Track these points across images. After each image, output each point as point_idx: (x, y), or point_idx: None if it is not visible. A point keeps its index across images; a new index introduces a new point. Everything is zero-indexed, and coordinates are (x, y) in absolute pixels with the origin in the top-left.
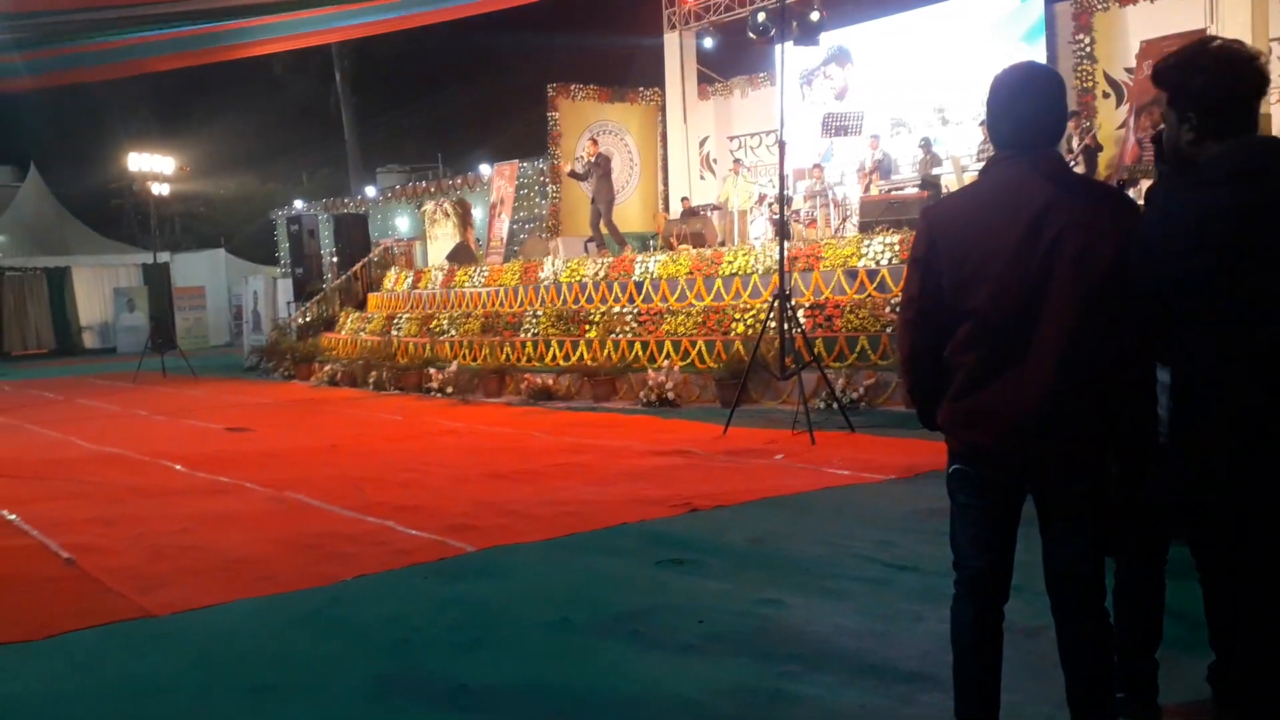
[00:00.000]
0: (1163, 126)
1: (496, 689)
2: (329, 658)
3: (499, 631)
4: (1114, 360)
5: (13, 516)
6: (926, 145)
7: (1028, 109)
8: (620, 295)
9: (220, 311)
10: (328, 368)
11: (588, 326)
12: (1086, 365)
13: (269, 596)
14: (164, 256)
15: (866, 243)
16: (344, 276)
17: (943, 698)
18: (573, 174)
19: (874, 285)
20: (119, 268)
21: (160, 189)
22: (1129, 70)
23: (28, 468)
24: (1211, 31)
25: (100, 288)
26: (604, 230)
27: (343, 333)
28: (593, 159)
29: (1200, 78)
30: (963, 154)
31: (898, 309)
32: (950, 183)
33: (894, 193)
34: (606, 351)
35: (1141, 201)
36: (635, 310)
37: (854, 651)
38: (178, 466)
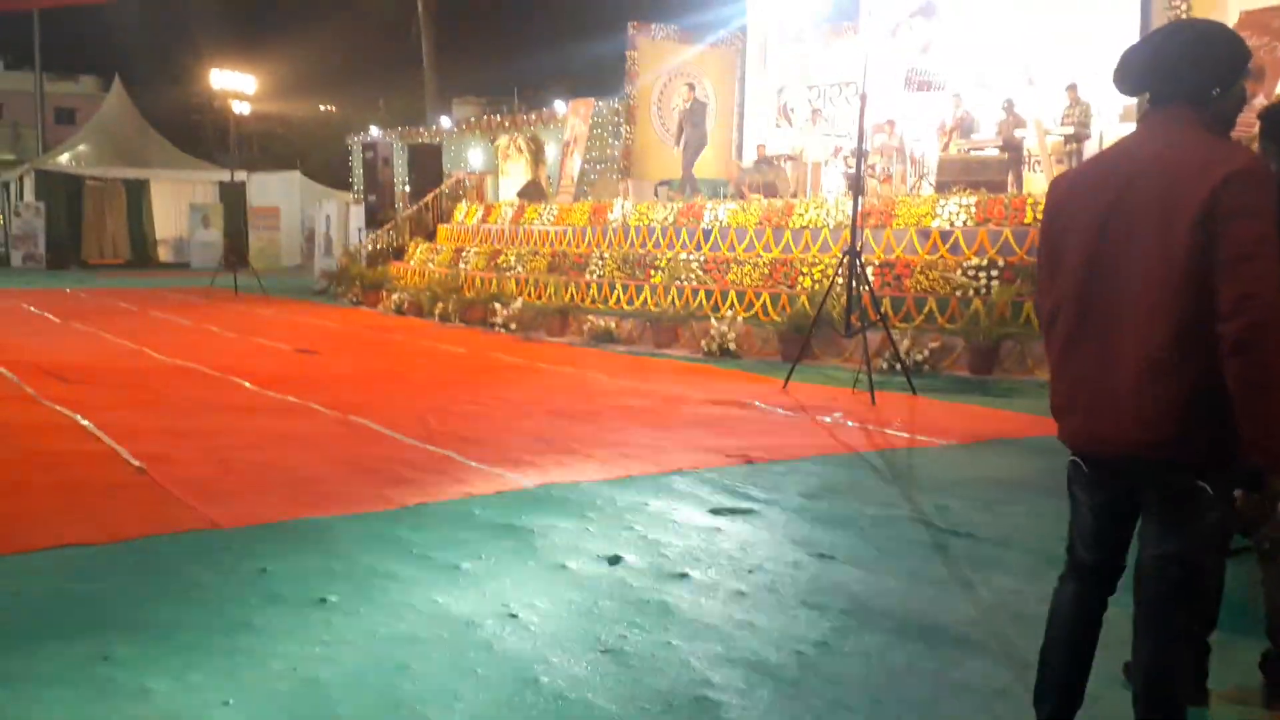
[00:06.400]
0: (1269, 102)
1: (543, 619)
2: (388, 578)
3: (551, 563)
4: (1178, 337)
5: (86, 422)
6: (1009, 106)
7: (1138, 55)
8: (688, 242)
9: (293, 233)
10: (395, 296)
11: (653, 271)
12: (1152, 344)
13: (332, 516)
14: (241, 175)
15: (942, 202)
16: (415, 206)
17: (988, 665)
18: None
19: (947, 246)
20: (196, 184)
21: (240, 108)
22: None
23: (102, 376)
24: None
25: (177, 202)
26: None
27: (411, 262)
28: (688, 105)
29: None
30: (1046, 117)
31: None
32: (1032, 148)
33: (973, 152)
34: (670, 298)
35: None
36: (702, 258)
37: (904, 613)
38: (247, 384)
